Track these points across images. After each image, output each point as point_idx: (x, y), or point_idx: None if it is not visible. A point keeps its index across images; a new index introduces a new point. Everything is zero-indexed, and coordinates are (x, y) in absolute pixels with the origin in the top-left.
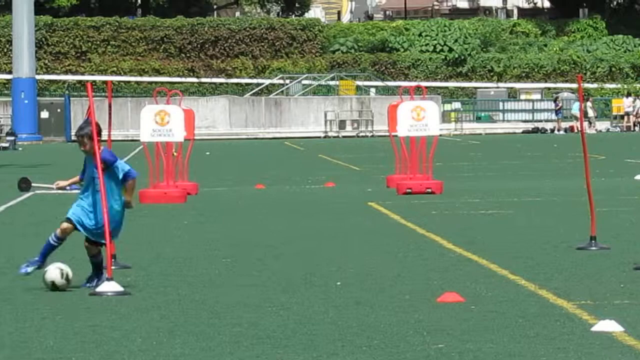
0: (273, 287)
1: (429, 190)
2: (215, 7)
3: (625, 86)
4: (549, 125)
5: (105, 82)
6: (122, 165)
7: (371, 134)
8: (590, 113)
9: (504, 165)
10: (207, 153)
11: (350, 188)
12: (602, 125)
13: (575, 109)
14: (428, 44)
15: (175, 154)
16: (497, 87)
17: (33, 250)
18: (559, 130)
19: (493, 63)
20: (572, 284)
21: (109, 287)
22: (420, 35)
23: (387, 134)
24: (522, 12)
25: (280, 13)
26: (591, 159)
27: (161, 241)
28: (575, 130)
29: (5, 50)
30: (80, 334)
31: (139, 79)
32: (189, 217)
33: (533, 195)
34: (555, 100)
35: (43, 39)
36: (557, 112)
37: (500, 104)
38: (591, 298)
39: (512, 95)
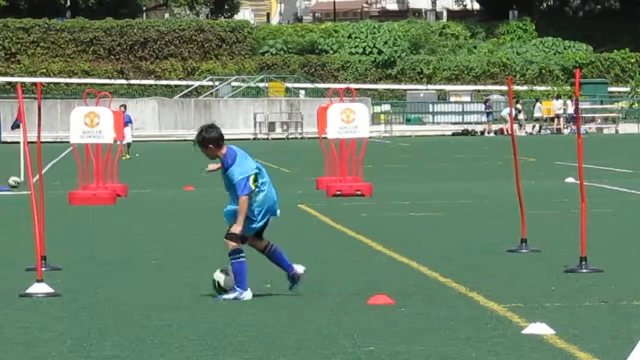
0: (203, 289)
1: (359, 192)
2: (144, 8)
3: (555, 88)
4: (478, 128)
5: (34, 84)
6: (236, 177)
7: (301, 136)
8: (520, 115)
9: (433, 167)
10: (137, 155)
11: (280, 190)
12: (532, 128)
13: (505, 111)
14: (357, 46)
15: (127, 157)
16: (427, 89)
17: None
18: (489, 132)
19: (422, 65)
20: (503, 286)
21: (39, 288)
22: (349, 37)
23: (317, 136)
24: (452, 14)
25: (210, 15)
26: (521, 162)
27: (91, 243)
28: (505, 133)
29: None
30: (10, 336)
31: (68, 80)
32: (118, 218)
33: (463, 197)
34: (485, 103)
35: None
36: (487, 114)
37: (430, 106)
38: (522, 301)
39: (442, 97)
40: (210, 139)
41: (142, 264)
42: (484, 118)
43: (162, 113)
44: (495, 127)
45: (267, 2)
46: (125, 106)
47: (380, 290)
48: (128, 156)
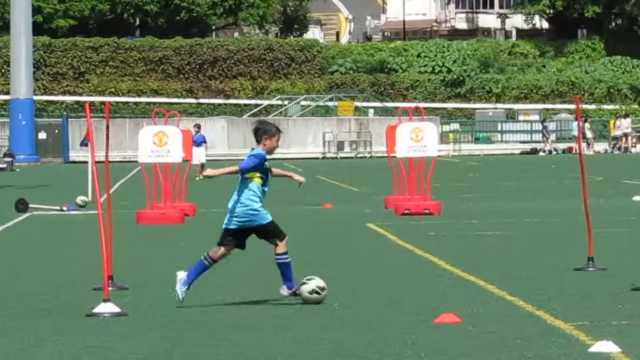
0: (271, 307)
1: (427, 211)
2: (213, 28)
3: (624, 107)
4: (547, 146)
5: (103, 103)
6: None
7: (369, 155)
8: (589, 134)
9: (502, 186)
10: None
11: (348, 209)
12: (600, 147)
13: (576, 129)
14: (427, 64)
15: (201, 177)
16: (496, 108)
17: (31, 271)
18: (543, 151)
19: (491, 84)
20: (570, 304)
21: (105, 308)
22: (418, 56)
23: (386, 155)
24: (521, 33)
25: (279, 34)
26: (589, 180)
27: (159, 262)
28: (574, 151)
29: (3, 71)
30: (77, 356)
31: (137, 99)
32: (186, 238)
33: (531, 216)
34: (542, 122)
35: (41, 60)
36: (543, 135)
37: (499, 124)
38: (589, 319)
39: (511, 116)
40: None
41: (209, 284)
42: (552, 137)
43: (232, 132)
44: (564, 145)
45: (337, 21)
46: (199, 126)
47: (447, 309)
48: (202, 176)
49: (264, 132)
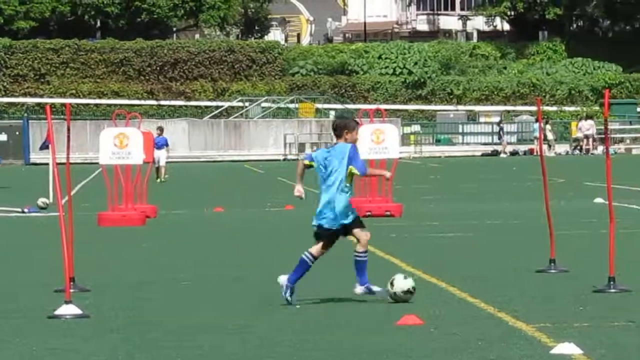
0: (234, 310)
1: (389, 213)
2: (174, 29)
3: (585, 109)
4: (509, 148)
5: (64, 105)
6: None
7: None
8: (550, 136)
9: (463, 188)
10: (166, 176)
11: (310, 211)
12: (562, 148)
13: (537, 131)
14: (388, 66)
15: (163, 180)
16: (457, 110)
17: None
18: (504, 153)
19: (453, 86)
20: (531, 306)
21: (67, 310)
22: (379, 57)
23: None
24: (482, 35)
25: (240, 36)
26: (551, 182)
27: (120, 264)
28: (535, 153)
29: None
30: (39, 358)
31: (98, 101)
32: (148, 239)
33: (493, 218)
34: (499, 124)
35: (2, 61)
36: (499, 136)
37: (460, 126)
38: (550, 320)
39: (472, 118)
40: None
41: (171, 285)
42: (513, 138)
43: (192, 134)
44: (524, 147)
45: (298, 23)
46: (162, 128)
47: (409, 311)
48: (163, 178)
49: (344, 126)
